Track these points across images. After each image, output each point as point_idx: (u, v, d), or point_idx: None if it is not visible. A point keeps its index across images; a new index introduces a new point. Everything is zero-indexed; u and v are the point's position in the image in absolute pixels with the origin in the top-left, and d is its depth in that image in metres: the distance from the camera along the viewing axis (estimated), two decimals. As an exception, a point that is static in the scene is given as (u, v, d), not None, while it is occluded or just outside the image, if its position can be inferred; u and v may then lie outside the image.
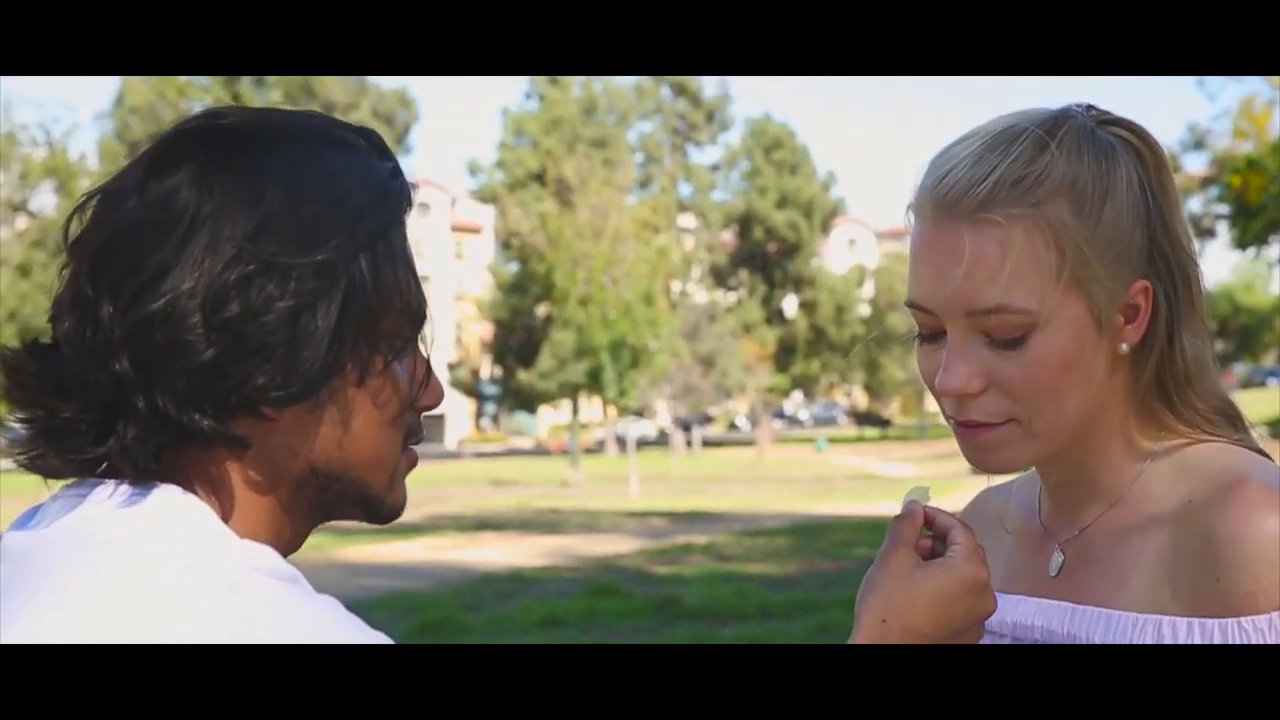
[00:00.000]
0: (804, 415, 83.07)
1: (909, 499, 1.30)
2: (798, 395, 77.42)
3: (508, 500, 29.10)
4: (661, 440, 62.93)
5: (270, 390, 1.01)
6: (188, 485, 1.03)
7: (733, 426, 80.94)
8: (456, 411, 72.68)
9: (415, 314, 1.12)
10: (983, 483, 1.56)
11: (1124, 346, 1.29)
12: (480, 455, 60.25)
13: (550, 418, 71.08)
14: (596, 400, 45.40)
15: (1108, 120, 1.32)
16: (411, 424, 1.14)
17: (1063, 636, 1.32)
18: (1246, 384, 66.87)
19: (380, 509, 1.14)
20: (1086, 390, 1.28)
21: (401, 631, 10.14)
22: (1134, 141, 1.31)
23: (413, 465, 1.17)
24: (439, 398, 1.16)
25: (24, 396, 1.05)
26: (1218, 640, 1.19)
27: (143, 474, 1.02)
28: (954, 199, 1.25)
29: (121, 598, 0.94)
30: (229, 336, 1.00)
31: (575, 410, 46.00)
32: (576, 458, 39.55)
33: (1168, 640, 1.22)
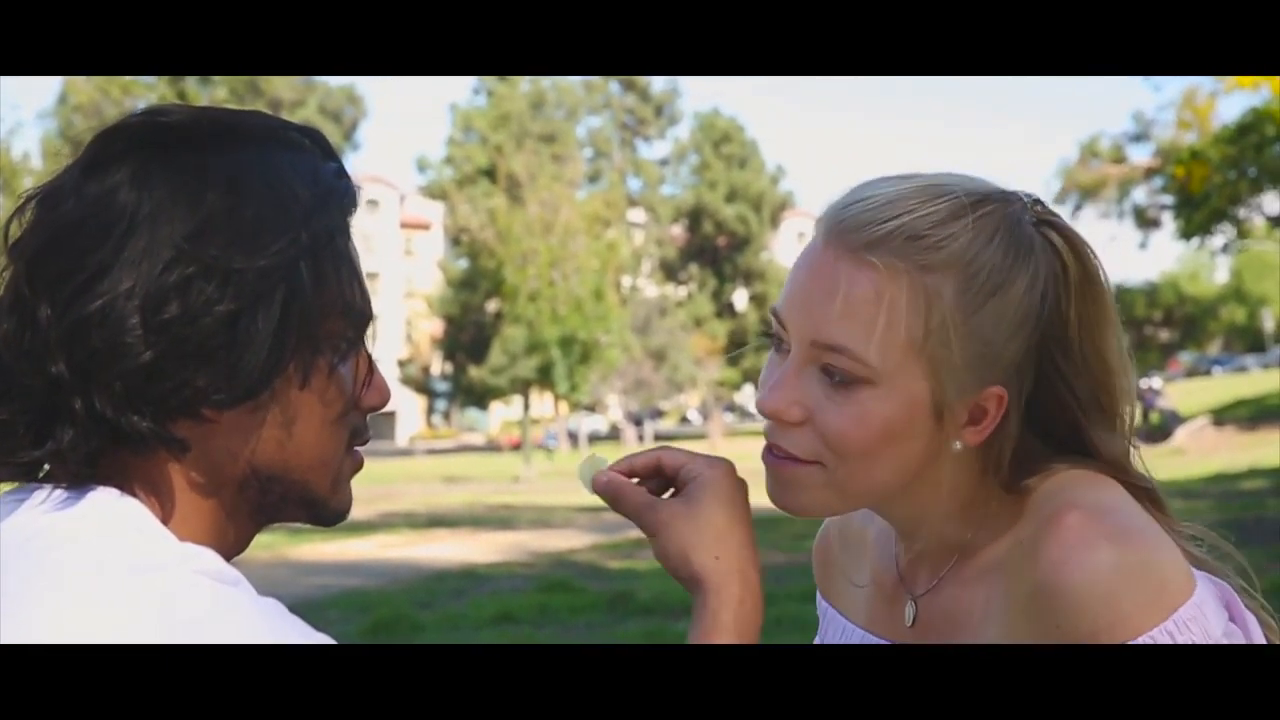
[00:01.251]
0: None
1: (593, 478, 1.28)
2: (749, 388, 77.56)
3: (460, 497, 28.98)
4: (613, 435, 62.91)
5: (210, 392, 1.00)
6: (127, 488, 1.02)
7: (684, 420, 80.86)
8: (407, 408, 72.33)
9: (358, 315, 1.10)
10: None
11: (957, 445, 1.25)
12: (432, 452, 60.03)
13: (502, 413, 70.92)
14: (548, 395, 45.35)
15: (1047, 221, 1.27)
16: (357, 425, 1.13)
17: None
18: (1191, 373, 67.55)
19: (324, 511, 1.12)
20: (900, 468, 1.25)
21: (354, 630, 10.08)
22: (1063, 251, 1.26)
23: (358, 467, 1.15)
24: (385, 397, 1.14)
25: None
26: None
27: (79, 477, 1.01)
28: (848, 229, 1.24)
29: (57, 603, 0.93)
30: (168, 338, 0.99)
31: (527, 406, 45.94)
32: (530, 453, 39.47)
33: None
